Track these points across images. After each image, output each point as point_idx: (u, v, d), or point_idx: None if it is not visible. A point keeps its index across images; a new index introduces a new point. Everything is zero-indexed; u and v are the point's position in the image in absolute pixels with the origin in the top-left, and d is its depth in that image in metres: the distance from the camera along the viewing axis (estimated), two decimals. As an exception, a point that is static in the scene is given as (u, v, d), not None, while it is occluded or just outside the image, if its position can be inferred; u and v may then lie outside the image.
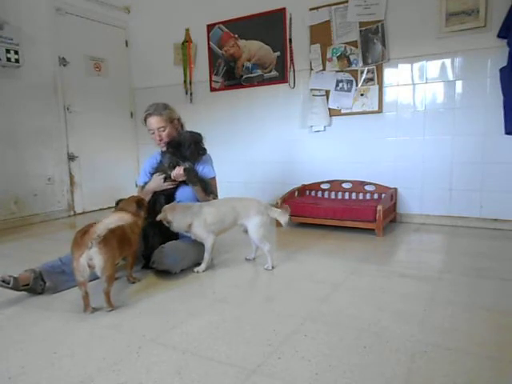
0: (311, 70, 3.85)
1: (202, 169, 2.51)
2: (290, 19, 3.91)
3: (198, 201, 2.49)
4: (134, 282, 2.20)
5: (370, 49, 3.57)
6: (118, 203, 2.24)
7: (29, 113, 3.95)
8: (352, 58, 3.66)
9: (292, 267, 2.45)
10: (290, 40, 3.93)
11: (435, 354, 1.42)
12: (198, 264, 2.40)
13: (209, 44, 4.41)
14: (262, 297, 2.03)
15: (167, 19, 4.63)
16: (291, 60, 3.96)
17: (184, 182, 2.43)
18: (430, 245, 2.94)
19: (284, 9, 3.92)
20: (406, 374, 1.31)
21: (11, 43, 3.64)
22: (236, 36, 4.23)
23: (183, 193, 2.48)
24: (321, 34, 3.76)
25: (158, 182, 2.43)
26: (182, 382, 1.29)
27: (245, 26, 4.16)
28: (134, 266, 2.25)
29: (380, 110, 3.60)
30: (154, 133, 2.50)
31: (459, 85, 3.30)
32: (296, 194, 3.79)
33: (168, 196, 2.45)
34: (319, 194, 3.91)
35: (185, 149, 2.40)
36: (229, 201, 2.46)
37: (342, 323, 1.67)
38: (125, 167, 4.96)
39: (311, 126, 3.93)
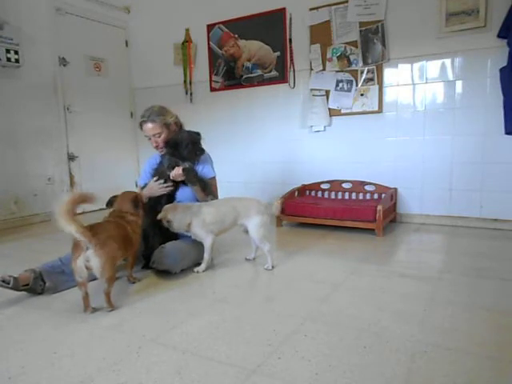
0: (311, 69, 3.85)
1: (201, 169, 2.51)
2: (290, 19, 3.91)
3: (198, 201, 2.49)
4: (134, 282, 2.20)
5: (370, 49, 3.57)
6: (110, 201, 2.18)
7: (29, 113, 3.95)
8: (352, 58, 3.66)
9: (292, 267, 2.45)
10: (290, 40, 3.94)
11: (435, 354, 1.42)
12: (198, 264, 2.40)
13: (209, 44, 4.41)
14: (262, 297, 2.03)
15: (167, 19, 4.63)
16: (291, 60, 3.96)
17: (183, 183, 2.43)
18: (429, 245, 2.94)
19: (284, 9, 3.92)
20: (406, 374, 1.31)
21: (11, 43, 3.64)
22: (236, 36, 4.23)
23: (183, 193, 2.48)
24: (321, 34, 3.76)
25: (152, 189, 2.37)
26: (182, 382, 1.29)
27: (245, 26, 4.16)
28: (134, 266, 2.25)
29: (380, 110, 3.60)
30: (150, 138, 2.50)
31: (459, 85, 3.30)
32: (296, 193, 3.79)
33: (168, 196, 2.45)
34: (319, 194, 3.91)
35: (182, 148, 2.39)
36: (229, 201, 2.46)
37: (342, 323, 1.67)
38: (125, 167, 4.96)
39: (311, 126, 3.93)
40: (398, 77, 3.52)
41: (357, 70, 3.66)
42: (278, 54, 4.02)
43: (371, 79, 3.61)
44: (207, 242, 2.35)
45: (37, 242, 3.28)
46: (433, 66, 3.37)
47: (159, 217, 2.25)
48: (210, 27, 4.36)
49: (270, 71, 4.09)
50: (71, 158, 4.37)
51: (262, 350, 1.47)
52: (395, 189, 3.59)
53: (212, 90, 4.47)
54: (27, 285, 1.97)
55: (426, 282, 2.12)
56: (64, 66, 4.25)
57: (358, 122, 3.71)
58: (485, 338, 1.53)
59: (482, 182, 3.29)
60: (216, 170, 2.65)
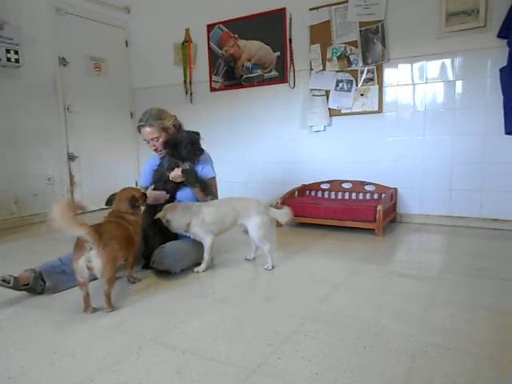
0: (311, 69, 3.85)
1: (201, 169, 2.51)
2: (290, 19, 3.91)
3: (198, 201, 2.49)
4: (134, 282, 2.20)
5: (370, 49, 3.57)
6: (110, 199, 2.16)
7: (29, 113, 3.95)
8: (352, 58, 3.66)
9: (292, 267, 2.45)
10: (290, 40, 3.94)
11: (435, 354, 1.42)
12: (198, 264, 2.40)
13: (209, 44, 4.41)
14: (262, 297, 2.03)
15: (167, 19, 4.63)
16: (291, 60, 3.96)
17: (183, 183, 2.42)
18: (429, 245, 2.94)
19: (284, 9, 3.92)
20: (406, 374, 1.31)
21: (11, 43, 3.64)
22: (236, 36, 4.23)
23: (184, 193, 2.48)
24: (321, 34, 3.76)
25: (151, 199, 2.32)
26: (182, 382, 1.29)
27: (245, 26, 4.16)
28: (134, 266, 2.25)
29: (380, 110, 3.60)
30: (148, 142, 2.50)
31: (459, 85, 3.30)
32: (296, 194, 3.79)
33: (169, 197, 2.44)
34: (319, 193, 3.91)
35: (181, 148, 2.39)
36: (229, 201, 2.46)
37: (342, 323, 1.67)
38: (125, 167, 4.96)
39: (311, 126, 3.93)
40: (397, 77, 3.52)
41: (357, 70, 3.66)
42: (277, 54, 4.02)
43: (371, 79, 3.61)
44: (207, 241, 2.35)
45: (37, 242, 3.28)
46: (433, 66, 3.37)
47: (158, 216, 2.25)
48: (210, 27, 4.36)
49: (270, 71, 4.09)
50: (71, 158, 4.37)
51: (261, 350, 1.47)
52: (395, 189, 3.59)
53: (212, 90, 4.47)
54: (27, 284, 1.97)
55: (425, 282, 2.12)
56: (64, 66, 4.25)
57: (358, 121, 3.71)
58: (485, 338, 1.53)
59: (482, 182, 3.29)
60: (216, 170, 2.64)
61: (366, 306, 1.84)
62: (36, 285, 1.99)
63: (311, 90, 3.87)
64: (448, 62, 3.31)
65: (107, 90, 4.75)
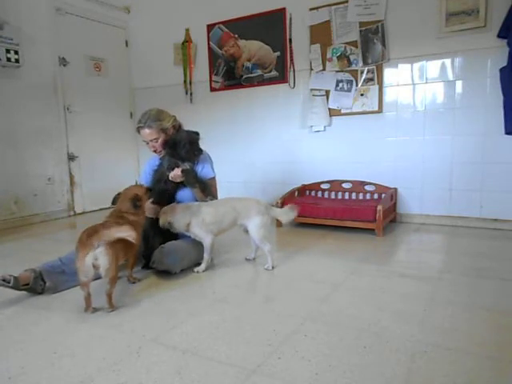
0: (311, 69, 3.85)
1: (201, 169, 2.51)
2: (290, 19, 3.91)
3: (197, 201, 2.48)
4: (134, 282, 2.20)
5: (370, 49, 3.57)
6: (115, 198, 2.16)
7: (29, 113, 3.95)
8: (352, 58, 3.66)
9: (292, 267, 2.45)
10: (290, 40, 3.94)
11: (435, 354, 1.42)
12: (198, 264, 2.40)
13: (209, 44, 4.41)
14: (262, 297, 2.03)
15: (167, 19, 4.63)
16: (291, 60, 3.96)
17: (182, 184, 2.42)
18: (429, 245, 2.94)
19: (284, 9, 3.92)
20: (406, 374, 1.31)
21: (11, 43, 3.64)
22: (236, 36, 4.23)
23: (184, 193, 2.48)
24: (321, 34, 3.76)
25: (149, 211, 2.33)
26: (182, 382, 1.29)
27: (245, 26, 4.16)
28: (134, 266, 2.25)
29: (380, 110, 3.60)
30: (148, 143, 2.50)
31: (459, 85, 3.30)
32: (296, 194, 3.79)
33: (169, 196, 2.45)
34: (319, 194, 3.91)
35: (180, 148, 2.39)
36: (228, 201, 2.46)
37: (342, 323, 1.67)
38: (125, 167, 4.96)
39: (311, 126, 3.93)
40: (398, 77, 3.52)
41: (357, 70, 3.66)
42: (277, 54, 4.02)
43: (371, 79, 3.61)
44: (207, 241, 2.35)
45: (37, 242, 3.28)
46: (433, 66, 3.37)
47: (160, 224, 2.26)
48: (209, 27, 4.36)
49: (270, 71, 4.09)
50: (71, 158, 4.37)
51: (262, 350, 1.47)
52: (395, 189, 3.59)
53: (212, 90, 4.47)
54: (27, 284, 1.97)
55: (426, 282, 2.12)
56: (64, 66, 4.25)
57: (358, 121, 3.71)
58: (485, 338, 1.54)
59: (482, 182, 3.29)
60: (216, 170, 2.64)
61: (366, 306, 1.84)
62: (36, 285, 1.99)
63: (311, 89, 3.87)
64: (448, 62, 3.31)
65: (107, 89, 4.75)
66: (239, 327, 1.66)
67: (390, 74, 3.55)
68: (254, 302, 1.94)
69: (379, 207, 3.09)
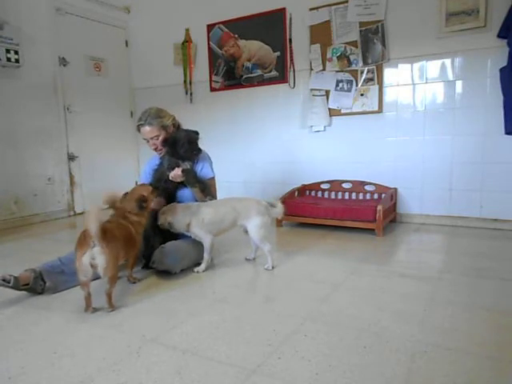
0: (311, 69, 3.85)
1: (200, 168, 2.51)
2: (290, 19, 3.91)
3: (197, 201, 2.48)
4: (134, 282, 2.20)
5: (370, 49, 3.57)
6: (123, 198, 2.16)
7: (29, 113, 3.95)
8: (352, 58, 3.66)
9: (292, 267, 2.45)
10: (290, 40, 3.93)
11: (435, 354, 1.42)
12: (198, 264, 2.40)
13: (209, 44, 4.41)
14: (262, 297, 2.03)
15: (167, 19, 4.63)
16: (291, 60, 3.96)
17: (183, 184, 2.42)
18: (429, 245, 2.94)
19: (284, 9, 3.92)
20: (406, 374, 1.31)
21: (11, 43, 3.64)
22: (236, 36, 4.22)
23: (184, 193, 2.48)
24: (321, 34, 3.76)
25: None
26: (182, 382, 1.29)
27: (245, 26, 4.16)
28: (134, 266, 2.25)
29: (380, 110, 3.60)
30: (148, 141, 2.50)
31: (459, 85, 3.30)
32: (296, 194, 3.79)
33: (169, 196, 2.45)
34: (319, 193, 3.91)
35: (179, 147, 2.39)
36: (228, 201, 2.46)
37: (342, 323, 1.67)
38: (125, 167, 4.96)
39: (311, 126, 3.93)
40: (398, 77, 3.52)
41: (357, 70, 3.66)
42: (277, 54, 4.02)
43: (371, 79, 3.61)
44: (207, 242, 2.35)
45: (37, 241, 3.28)
46: (433, 66, 3.37)
47: (160, 224, 2.26)
48: (210, 27, 4.36)
49: (270, 71, 4.09)
50: (71, 158, 4.37)
51: (261, 350, 1.47)
52: (395, 189, 3.59)
53: (212, 90, 4.47)
54: (27, 284, 1.97)
55: (426, 282, 2.12)
56: (64, 66, 4.25)
57: (358, 121, 3.71)
58: (485, 338, 1.54)
59: (482, 182, 3.29)
60: (216, 169, 2.64)
61: (366, 306, 1.84)
62: (36, 285, 1.99)
63: (311, 89, 3.87)
64: (448, 61, 3.31)
65: (107, 89, 4.75)
66: (239, 327, 1.66)
67: (389, 74, 3.55)
68: (254, 302, 1.94)
69: (379, 207, 3.09)
